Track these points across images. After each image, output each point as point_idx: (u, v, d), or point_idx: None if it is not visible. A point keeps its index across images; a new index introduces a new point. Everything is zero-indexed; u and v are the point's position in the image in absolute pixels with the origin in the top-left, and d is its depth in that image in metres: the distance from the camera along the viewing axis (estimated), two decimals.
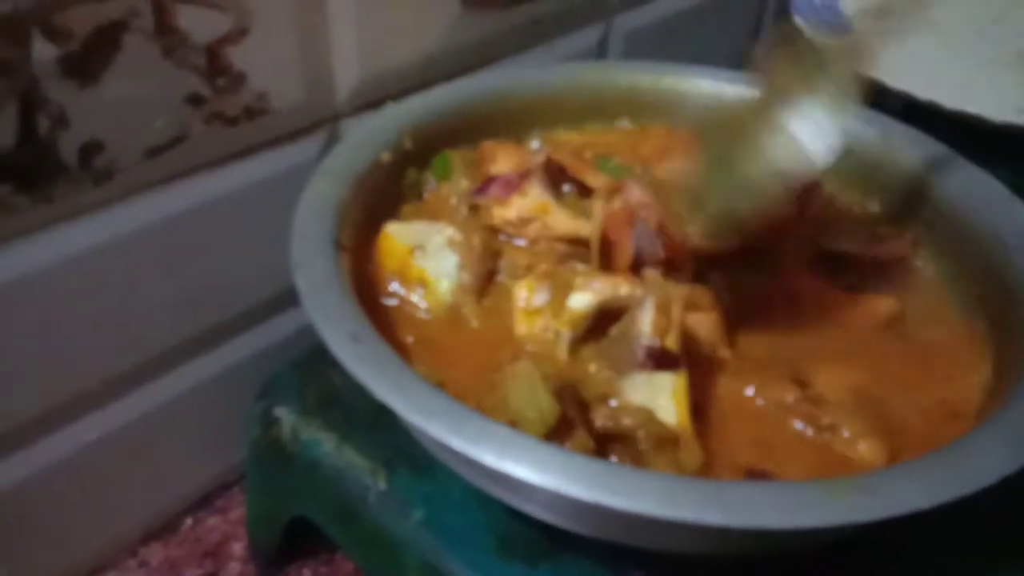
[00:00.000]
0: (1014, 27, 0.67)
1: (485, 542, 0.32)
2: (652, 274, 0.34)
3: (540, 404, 0.28)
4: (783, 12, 0.66)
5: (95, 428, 0.38)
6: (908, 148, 0.40)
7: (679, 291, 0.32)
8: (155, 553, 0.43)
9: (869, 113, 0.43)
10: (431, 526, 0.33)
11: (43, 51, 0.30)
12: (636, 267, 0.34)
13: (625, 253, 0.35)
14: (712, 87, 0.45)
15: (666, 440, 0.29)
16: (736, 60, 0.69)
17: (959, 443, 0.25)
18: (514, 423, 0.28)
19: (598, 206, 0.36)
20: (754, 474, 0.29)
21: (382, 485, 0.34)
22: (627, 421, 0.29)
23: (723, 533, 0.24)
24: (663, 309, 0.31)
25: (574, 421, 0.29)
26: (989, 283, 0.35)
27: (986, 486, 0.23)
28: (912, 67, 0.58)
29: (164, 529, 0.44)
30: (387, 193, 0.38)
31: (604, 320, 0.33)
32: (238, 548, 0.44)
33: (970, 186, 0.38)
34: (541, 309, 0.33)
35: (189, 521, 0.44)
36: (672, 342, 0.31)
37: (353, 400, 0.37)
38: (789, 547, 0.28)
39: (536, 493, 0.27)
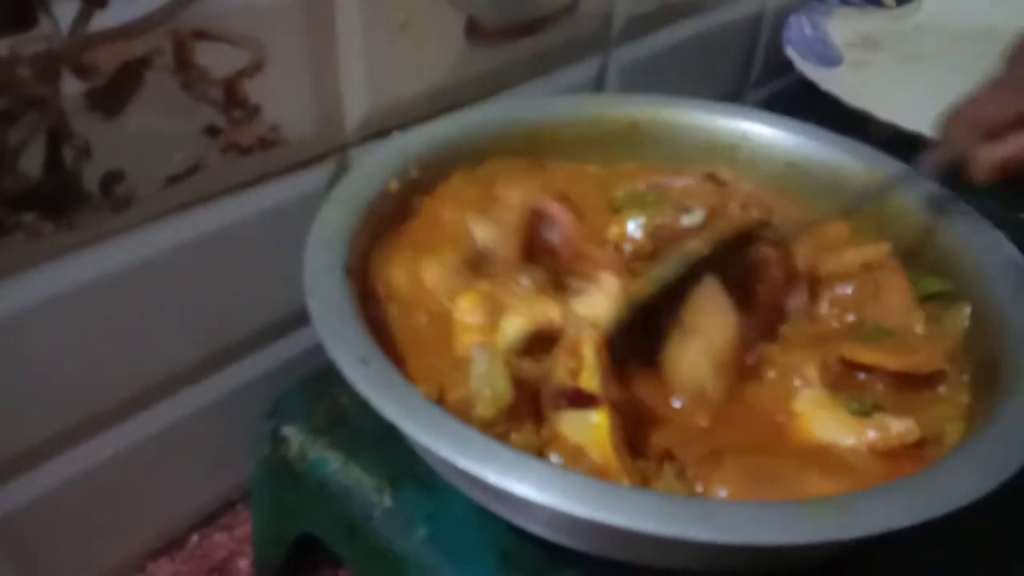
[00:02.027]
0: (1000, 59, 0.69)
1: (488, 559, 0.33)
2: (572, 313, 0.33)
3: (496, 385, 0.29)
4: (775, 44, 0.68)
5: (108, 446, 0.39)
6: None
7: (592, 331, 0.32)
8: (163, 568, 0.44)
9: (855, 144, 0.45)
10: (435, 543, 0.34)
11: (71, 86, 0.31)
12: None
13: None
14: (707, 120, 0.47)
15: (596, 473, 0.29)
16: (729, 92, 0.71)
17: (933, 469, 0.27)
18: (470, 401, 0.28)
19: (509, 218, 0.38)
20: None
21: (387, 502, 0.35)
22: (555, 459, 0.30)
23: (719, 550, 0.25)
24: (572, 350, 0.31)
25: (525, 416, 0.30)
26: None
27: (959, 507, 0.25)
28: (899, 98, 0.60)
29: (171, 545, 0.45)
30: (394, 220, 0.39)
31: (542, 341, 0.33)
32: (244, 564, 0.45)
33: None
34: (478, 327, 0.34)
35: (196, 537, 0.45)
36: (587, 381, 0.30)
37: (359, 420, 0.38)
38: (779, 563, 0.29)
39: (537, 511, 0.28)
